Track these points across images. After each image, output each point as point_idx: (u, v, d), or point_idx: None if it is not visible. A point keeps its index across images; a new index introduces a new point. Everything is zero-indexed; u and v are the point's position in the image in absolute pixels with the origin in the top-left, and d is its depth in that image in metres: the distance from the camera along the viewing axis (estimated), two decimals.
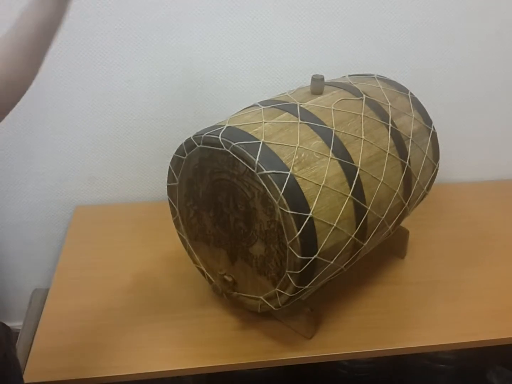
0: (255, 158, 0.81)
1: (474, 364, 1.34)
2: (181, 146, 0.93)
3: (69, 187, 1.35)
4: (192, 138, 0.90)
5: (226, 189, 0.90)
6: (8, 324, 1.23)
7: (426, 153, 1.05)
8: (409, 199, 1.02)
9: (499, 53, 1.28)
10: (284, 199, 0.80)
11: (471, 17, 1.24)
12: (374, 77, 1.10)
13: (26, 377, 0.91)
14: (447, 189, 1.43)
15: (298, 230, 0.81)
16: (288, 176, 0.81)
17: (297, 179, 0.82)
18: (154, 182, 1.37)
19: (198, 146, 0.89)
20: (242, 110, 0.98)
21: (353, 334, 1.00)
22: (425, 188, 1.08)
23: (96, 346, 0.98)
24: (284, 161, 0.83)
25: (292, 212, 0.80)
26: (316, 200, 0.83)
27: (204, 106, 1.29)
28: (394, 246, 1.18)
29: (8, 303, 1.46)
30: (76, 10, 1.13)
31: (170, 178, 0.99)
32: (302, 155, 0.85)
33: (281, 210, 0.81)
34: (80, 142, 1.30)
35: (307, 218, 0.81)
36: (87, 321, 1.03)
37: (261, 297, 0.93)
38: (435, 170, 1.10)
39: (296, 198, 0.81)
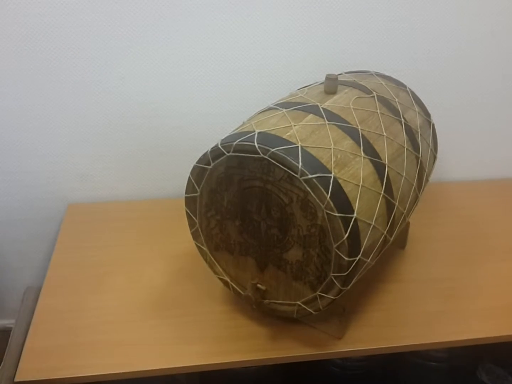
0: (298, 163, 0.79)
1: (466, 362, 1.36)
2: (205, 155, 0.89)
3: (61, 185, 1.32)
4: (220, 146, 0.86)
5: (257, 196, 0.88)
6: (0, 322, 1.19)
7: (430, 145, 1.08)
8: (421, 191, 1.05)
9: (494, 53, 1.33)
10: (331, 202, 0.79)
11: (465, 17, 1.28)
12: (372, 74, 1.12)
13: (19, 376, 0.90)
14: (445, 187, 1.46)
15: (346, 232, 0.80)
16: (332, 178, 0.80)
17: (339, 180, 0.82)
18: (147, 180, 1.36)
19: (227, 154, 0.86)
20: (260, 113, 0.95)
21: (349, 332, 1.00)
22: (429, 179, 1.11)
23: (89, 344, 0.96)
24: (324, 164, 0.82)
25: (339, 214, 0.80)
26: (357, 200, 0.83)
27: (198, 104, 1.27)
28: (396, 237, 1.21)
29: (0, 301, 1.43)
30: (68, 7, 1.11)
31: (190, 189, 0.95)
32: (339, 156, 0.84)
33: (328, 213, 0.80)
34: (72, 140, 1.27)
35: (353, 220, 0.81)
36: (80, 319, 1.02)
37: (299, 302, 0.92)
38: (435, 160, 1.13)
39: (341, 200, 0.81)
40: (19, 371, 0.91)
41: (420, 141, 1.03)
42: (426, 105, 1.12)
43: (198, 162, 0.91)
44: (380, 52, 1.29)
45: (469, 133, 1.44)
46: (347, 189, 0.82)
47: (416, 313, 1.05)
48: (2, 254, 1.38)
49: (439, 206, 1.38)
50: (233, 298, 1.05)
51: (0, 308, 1.44)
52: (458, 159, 1.47)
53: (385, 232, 0.90)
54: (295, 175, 0.80)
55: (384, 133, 0.93)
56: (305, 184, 0.80)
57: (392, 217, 0.92)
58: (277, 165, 0.81)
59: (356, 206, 0.82)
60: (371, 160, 0.88)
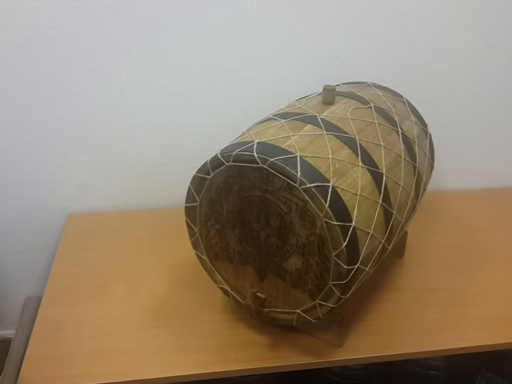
0: (296, 172, 0.81)
1: (465, 371, 1.35)
2: (205, 165, 0.90)
3: (61, 195, 1.34)
4: (219, 156, 0.87)
5: (256, 205, 0.89)
6: (0, 332, 1.21)
7: (427, 154, 1.09)
8: (418, 200, 1.06)
9: (489, 65, 1.35)
10: (329, 211, 0.80)
11: (461, 29, 1.30)
12: (369, 85, 1.14)
13: None
14: (443, 197, 1.47)
15: (344, 241, 0.81)
16: (330, 187, 0.81)
17: (338, 189, 0.83)
18: (147, 190, 1.37)
19: (227, 164, 0.87)
20: (259, 124, 0.96)
21: (348, 341, 1.00)
22: (426, 188, 1.12)
23: (90, 354, 0.97)
24: (322, 173, 0.83)
25: (338, 223, 0.80)
26: (356, 209, 0.84)
27: (198, 114, 1.29)
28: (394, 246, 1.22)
29: (0, 311, 1.44)
30: (67, 20, 1.14)
31: (190, 198, 0.95)
32: (337, 165, 0.86)
33: (327, 222, 0.81)
34: (72, 151, 1.29)
35: (351, 228, 0.82)
36: (81, 328, 1.02)
37: (298, 311, 0.93)
38: (432, 170, 1.15)
39: (340, 209, 0.82)
40: (20, 381, 0.92)
41: (417, 150, 1.04)
42: (422, 115, 1.13)
43: (198, 172, 0.92)
44: (377, 63, 1.30)
45: (465, 143, 1.45)
46: (345, 198, 0.83)
47: (415, 322, 1.06)
48: (2, 264, 1.39)
49: (437, 215, 1.39)
50: (233, 307, 1.06)
51: (0, 319, 1.44)
52: (455, 168, 1.48)
53: (383, 240, 0.91)
54: (294, 184, 0.81)
55: (382, 143, 0.95)
56: (303, 193, 0.81)
57: (390, 226, 0.92)
58: (276, 175, 0.82)
59: (354, 215, 0.83)
60: (368, 170, 0.89)
